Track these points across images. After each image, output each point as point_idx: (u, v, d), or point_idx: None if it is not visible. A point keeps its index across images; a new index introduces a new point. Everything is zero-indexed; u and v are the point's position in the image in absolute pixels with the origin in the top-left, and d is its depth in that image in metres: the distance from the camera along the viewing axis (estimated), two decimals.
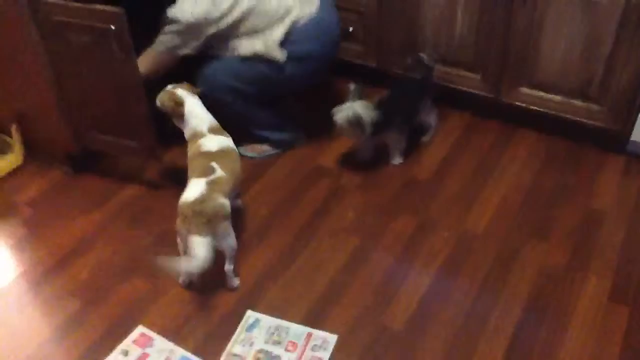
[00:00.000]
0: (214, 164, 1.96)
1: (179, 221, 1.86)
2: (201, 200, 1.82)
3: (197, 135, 2.09)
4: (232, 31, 2.24)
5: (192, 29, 2.19)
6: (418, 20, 2.55)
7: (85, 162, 2.50)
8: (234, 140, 2.13)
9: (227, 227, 1.87)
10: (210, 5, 2.16)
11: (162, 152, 2.32)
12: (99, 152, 2.44)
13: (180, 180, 2.02)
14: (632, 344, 1.79)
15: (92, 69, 2.13)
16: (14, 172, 2.53)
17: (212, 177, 1.91)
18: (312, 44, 2.31)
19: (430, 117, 2.57)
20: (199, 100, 2.14)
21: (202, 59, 2.32)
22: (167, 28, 2.20)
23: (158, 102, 2.15)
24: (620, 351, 1.77)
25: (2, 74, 2.34)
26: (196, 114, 2.11)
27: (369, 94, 2.40)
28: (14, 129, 2.49)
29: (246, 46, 2.26)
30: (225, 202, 1.87)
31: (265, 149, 2.55)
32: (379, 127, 2.31)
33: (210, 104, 2.17)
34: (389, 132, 2.40)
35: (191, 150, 2.08)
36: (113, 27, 1.97)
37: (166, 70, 2.26)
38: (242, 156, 2.28)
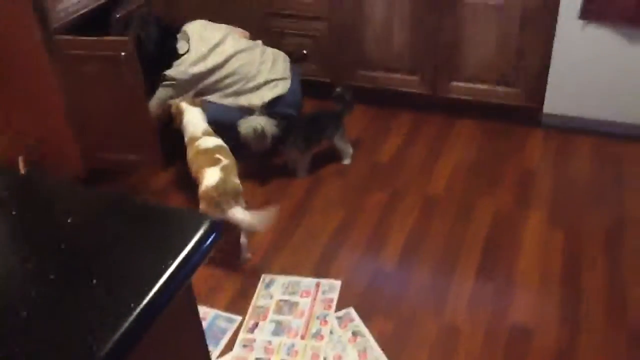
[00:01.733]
0: (218, 156, 2.35)
1: (204, 205, 2.21)
2: (222, 182, 2.20)
3: (194, 139, 2.48)
4: (219, 86, 2.74)
5: (186, 83, 2.69)
6: (362, 39, 3.08)
7: (95, 184, 2.80)
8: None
9: (243, 202, 2.26)
10: (202, 65, 2.69)
11: (167, 164, 2.69)
12: (106, 172, 2.76)
13: (183, 187, 2.37)
14: (567, 254, 2.30)
15: (102, 93, 2.50)
16: None
17: (222, 164, 2.30)
18: (287, 108, 2.84)
19: (343, 144, 2.85)
20: (198, 109, 2.54)
21: None
22: (164, 84, 2.68)
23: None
24: (560, 261, 2.27)
25: (17, 109, 2.64)
26: (193, 121, 2.52)
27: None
28: (20, 160, 2.77)
29: (230, 102, 2.78)
30: (238, 181, 2.27)
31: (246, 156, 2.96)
32: (279, 141, 2.68)
33: None
34: (288, 149, 2.76)
35: (191, 151, 2.46)
36: (123, 54, 2.37)
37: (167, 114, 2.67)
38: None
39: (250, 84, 2.80)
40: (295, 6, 3.12)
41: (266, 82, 2.84)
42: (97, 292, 0.84)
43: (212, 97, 2.77)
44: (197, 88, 2.74)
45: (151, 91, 2.71)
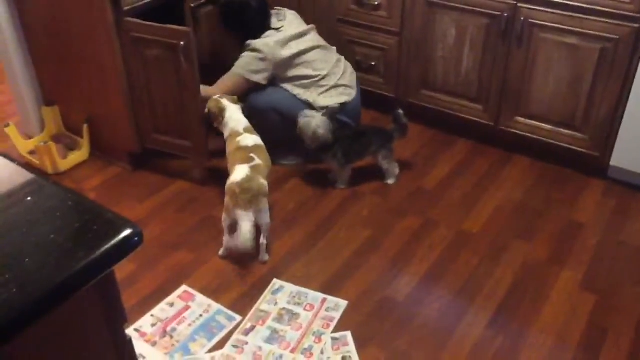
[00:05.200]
0: (252, 155, 2.39)
1: (227, 199, 2.27)
2: (247, 180, 2.24)
3: (235, 134, 2.52)
4: (294, 74, 2.78)
5: (269, 60, 2.72)
6: (431, 58, 3.00)
7: (142, 160, 2.94)
8: (269, 149, 2.54)
9: (266, 204, 2.29)
10: (287, 49, 2.76)
11: (210, 154, 2.76)
12: (155, 151, 2.88)
13: (221, 180, 2.43)
14: (593, 322, 2.13)
15: (160, 78, 2.61)
16: (79, 166, 2.97)
17: (253, 163, 2.34)
18: (347, 118, 2.86)
19: (388, 164, 2.79)
20: (239, 107, 2.58)
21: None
22: (247, 54, 2.72)
23: (206, 109, 2.60)
24: (584, 327, 2.11)
25: (83, 81, 2.82)
26: (235, 118, 2.56)
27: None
28: (85, 129, 2.96)
29: (298, 92, 2.81)
30: (265, 182, 2.30)
31: (293, 157, 2.98)
32: (324, 149, 2.68)
33: (250, 114, 2.66)
34: (328, 159, 2.75)
35: (230, 146, 2.51)
36: (182, 43, 2.46)
37: (239, 94, 2.73)
38: (277, 163, 2.76)
39: (321, 82, 2.83)
40: (369, 17, 3.09)
41: (336, 86, 2.87)
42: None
43: (284, 85, 2.82)
44: (281, 72, 2.78)
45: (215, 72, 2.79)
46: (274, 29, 2.82)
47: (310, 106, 2.79)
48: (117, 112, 2.78)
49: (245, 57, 2.76)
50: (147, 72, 2.62)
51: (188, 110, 2.63)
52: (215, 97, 2.62)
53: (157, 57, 2.55)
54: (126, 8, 2.51)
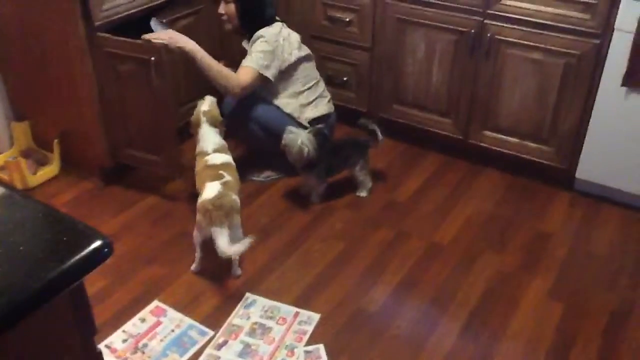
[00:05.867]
0: (221, 172, 2.39)
1: (199, 217, 2.26)
2: (219, 197, 2.24)
3: (203, 154, 2.52)
4: (285, 82, 2.79)
5: (277, 56, 2.71)
6: (402, 73, 3.05)
7: (114, 175, 2.92)
8: (244, 167, 2.55)
9: (238, 220, 2.29)
10: (296, 51, 2.79)
11: (181, 169, 2.76)
12: (127, 166, 2.87)
13: (193, 195, 2.43)
14: (562, 329, 2.17)
15: (133, 93, 2.60)
16: (50, 182, 2.93)
17: (223, 180, 2.34)
18: (327, 129, 2.88)
19: (363, 175, 2.82)
20: (214, 130, 2.57)
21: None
22: (255, 47, 2.69)
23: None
24: (553, 334, 2.15)
25: (55, 96, 2.80)
26: (206, 138, 2.55)
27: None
28: (55, 143, 2.93)
29: (281, 105, 2.81)
30: (237, 198, 2.30)
31: (269, 173, 2.99)
32: (308, 165, 2.66)
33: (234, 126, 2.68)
34: (308, 174, 2.74)
35: (199, 165, 2.51)
36: (153, 59, 2.47)
37: (252, 89, 2.72)
38: (250, 180, 2.78)
39: (309, 94, 2.86)
40: (341, 33, 3.14)
41: (321, 97, 2.92)
42: None
43: (269, 97, 2.81)
44: (286, 74, 2.78)
45: None
46: (280, 21, 2.82)
47: (294, 120, 2.79)
48: (89, 127, 2.76)
49: (257, 51, 2.70)
50: (120, 87, 2.61)
51: (160, 125, 2.63)
52: (201, 105, 2.61)
53: (129, 71, 2.56)
54: (98, 23, 2.51)
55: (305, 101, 2.86)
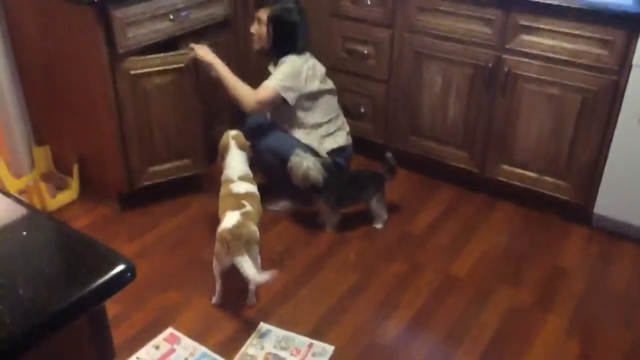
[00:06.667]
0: (243, 202, 2.41)
1: (218, 246, 2.26)
2: (238, 226, 2.24)
3: (229, 181, 2.55)
4: (306, 113, 2.83)
5: (301, 82, 2.76)
6: (419, 105, 3.08)
7: (131, 201, 2.95)
8: (261, 197, 2.55)
9: (257, 251, 2.29)
10: (316, 82, 2.82)
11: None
12: (144, 192, 2.89)
13: (210, 222, 2.44)
14: None
15: (159, 107, 2.72)
16: (68, 206, 2.97)
17: (244, 210, 2.35)
18: (344, 160, 2.94)
19: (379, 208, 2.83)
20: (242, 154, 2.59)
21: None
22: (280, 69, 2.76)
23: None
24: None
25: (74, 121, 2.85)
26: (232, 165, 2.57)
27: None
28: (75, 168, 2.97)
29: (301, 136, 2.84)
30: (256, 229, 2.30)
31: (285, 203, 3.00)
32: (316, 190, 2.69)
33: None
34: (320, 201, 2.77)
35: (223, 191, 2.53)
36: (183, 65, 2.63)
37: (269, 107, 2.80)
38: (267, 210, 2.79)
39: (329, 126, 2.89)
40: (359, 66, 3.18)
41: (339, 129, 2.95)
42: None
43: (286, 126, 2.85)
44: (309, 105, 2.82)
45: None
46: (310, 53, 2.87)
47: (312, 151, 2.81)
48: (108, 152, 2.80)
49: (280, 72, 2.76)
50: (147, 105, 2.70)
51: (190, 129, 2.83)
52: (229, 133, 2.63)
53: (158, 85, 2.68)
54: (121, 51, 2.56)
55: (326, 132, 2.89)
